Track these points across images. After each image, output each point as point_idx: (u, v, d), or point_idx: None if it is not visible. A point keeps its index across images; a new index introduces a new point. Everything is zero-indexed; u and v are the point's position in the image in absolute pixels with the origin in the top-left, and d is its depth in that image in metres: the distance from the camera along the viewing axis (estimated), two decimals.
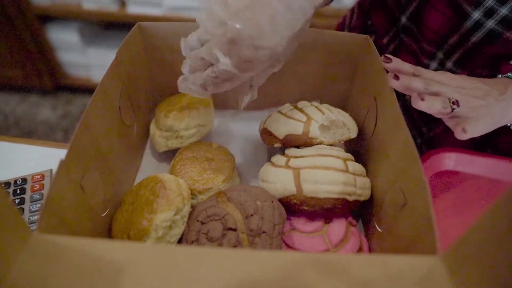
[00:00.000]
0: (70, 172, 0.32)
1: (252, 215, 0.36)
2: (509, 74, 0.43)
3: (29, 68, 1.58)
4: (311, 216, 0.41)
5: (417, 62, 0.53)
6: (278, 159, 0.44)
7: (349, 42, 0.50)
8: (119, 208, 0.41)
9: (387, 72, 0.40)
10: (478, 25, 0.44)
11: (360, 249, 0.40)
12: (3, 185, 0.46)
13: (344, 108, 0.56)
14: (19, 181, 0.47)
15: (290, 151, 0.44)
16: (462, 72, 0.49)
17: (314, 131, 0.43)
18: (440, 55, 0.50)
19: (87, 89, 1.67)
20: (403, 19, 0.53)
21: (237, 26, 0.31)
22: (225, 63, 0.33)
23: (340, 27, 0.69)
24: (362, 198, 0.41)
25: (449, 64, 0.50)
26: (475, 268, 0.23)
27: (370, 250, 0.41)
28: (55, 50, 1.55)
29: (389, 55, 0.40)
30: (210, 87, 0.37)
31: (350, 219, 0.42)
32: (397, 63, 0.40)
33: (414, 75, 0.39)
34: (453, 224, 0.43)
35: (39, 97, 1.71)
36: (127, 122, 0.46)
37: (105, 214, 0.39)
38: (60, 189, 0.30)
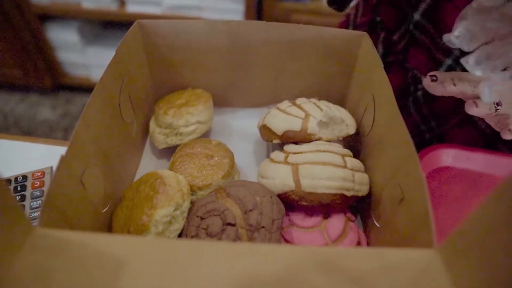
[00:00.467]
0: (71, 168, 0.32)
1: (251, 210, 0.36)
2: None
3: (28, 67, 1.58)
4: (310, 211, 0.41)
5: (431, 59, 0.51)
6: (277, 155, 0.44)
7: (347, 39, 0.50)
8: (119, 204, 0.41)
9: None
10: None
11: (358, 244, 0.40)
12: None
13: (342, 104, 0.56)
14: (19, 178, 0.47)
15: (289, 147, 0.44)
16: None
17: (313, 127, 0.43)
18: (456, 51, 0.49)
19: (86, 88, 1.67)
20: (416, 16, 0.51)
21: None
22: None
23: (344, 26, 0.68)
24: (360, 194, 0.41)
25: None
26: (471, 259, 0.23)
27: (369, 245, 0.42)
28: (54, 49, 1.55)
29: (434, 73, 0.39)
30: None
31: (348, 214, 0.43)
32: (456, 88, 0.38)
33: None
34: (450, 220, 0.44)
35: (38, 97, 1.71)
36: (126, 119, 0.46)
37: (105, 210, 0.39)
38: (60, 185, 0.30)
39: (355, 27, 0.64)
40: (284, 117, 0.45)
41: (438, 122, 0.56)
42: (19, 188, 0.46)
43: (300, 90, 0.57)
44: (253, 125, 0.56)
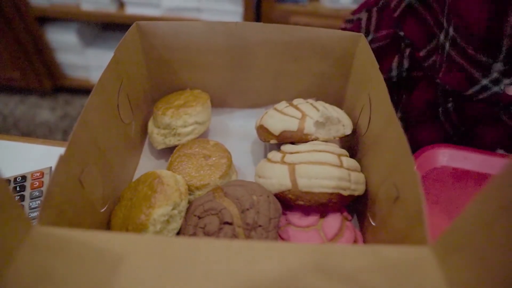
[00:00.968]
0: (69, 168, 0.32)
1: (248, 209, 0.37)
2: None
3: (27, 69, 1.58)
4: (307, 210, 0.42)
5: (468, 78, 0.47)
6: (274, 155, 0.44)
7: (343, 40, 0.51)
8: (118, 204, 0.41)
9: None
10: None
11: (354, 243, 0.41)
12: None
13: (339, 105, 0.57)
14: (18, 179, 0.47)
15: (286, 147, 0.45)
16: None
17: (309, 128, 0.44)
18: (495, 74, 0.44)
19: (86, 90, 1.68)
20: (451, 31, 0.46)
21: None
22: None
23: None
24: (356, 193, 0.42)
25: (507, 81, 0.45)
26: (463, 255, 0.23)
27: (365, 243, 0.42)
28: (54, 51, 1.55)
29: None
30: None
31: (345, 213, 0.43)
32: None
33: None
34: (447, 219, 0.44)
35: (38, 98, 1.71)
36: (125, 119, 0.47)
37: (104, 209, 0.40)
38: (59, 184, 0.30)
39: (374, 40, 0.59)
40: (281, 118, 0.46)
41: (467, 127, 0.54)
42: (18, 189, 0.46)
43: (298, 90, 0.58)
44: (251, 126, 0.56)
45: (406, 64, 0.55)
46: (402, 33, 0.55)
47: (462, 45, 0.45)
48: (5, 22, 1.42)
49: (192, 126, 0.50)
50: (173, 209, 0.38)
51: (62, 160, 0.30)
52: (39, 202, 0.45)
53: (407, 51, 0.54)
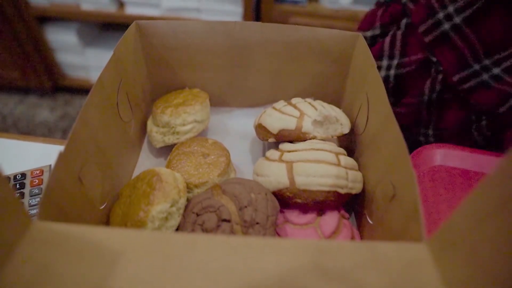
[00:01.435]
0: (69, 165, 0.33)
1: (246, 206, 0.37)
2: None
3: (27, 69, 1.59)
4: (304, 208, 0.42)
5: (502, 97, 0.49)
6: (272, 153, 0.45)
7: (342, 39, 0.51)
8: (117, 201, 0.42)
9: None
10: None
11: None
12: None
13: (338, 104, 0.57)
14: (18, 176, 0.48)
15: (284, 146, 0.45)
16: None
17: (307, 126, 0.44)
18: None
19: (85, 90, 1.68)
20: (496, 70, 0.48)
21: None
22: None
23: (375, 53, 0.60)
24: (354, 191, 0.42)
25: None
26: (458, 252, 0.24)
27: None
28: (53, 51, 1.55)
29: None
30: None
31: (342, 212, 0.43)
32: None
33: None
34: (443, 218, 0.44)
35: (37, 98, 1.72)
36: (124, 118, 0.47)
37: (103, 207, 0.40)
38: (58, 181, 0.31)
39: (402, 65, 0.57)
40: (279, 116, 0.46)
41: (498, 137, 0.55)
42: (18, 186, 0.47)
43: (297, 90, 0.58)
44: (249, 125, 0.56)
45: (438, 88, 0.55)
46: (434, 59, 0.54)
47: (507, 80, 0.47)
48: (4, 21, 1.42)
49: (191, 125, 0.50)
50: (172, 206, 0.38)
51: (61, 157, 0.31)
52: (38, 199, 0.45)
53: (439, 77, 0.53)
